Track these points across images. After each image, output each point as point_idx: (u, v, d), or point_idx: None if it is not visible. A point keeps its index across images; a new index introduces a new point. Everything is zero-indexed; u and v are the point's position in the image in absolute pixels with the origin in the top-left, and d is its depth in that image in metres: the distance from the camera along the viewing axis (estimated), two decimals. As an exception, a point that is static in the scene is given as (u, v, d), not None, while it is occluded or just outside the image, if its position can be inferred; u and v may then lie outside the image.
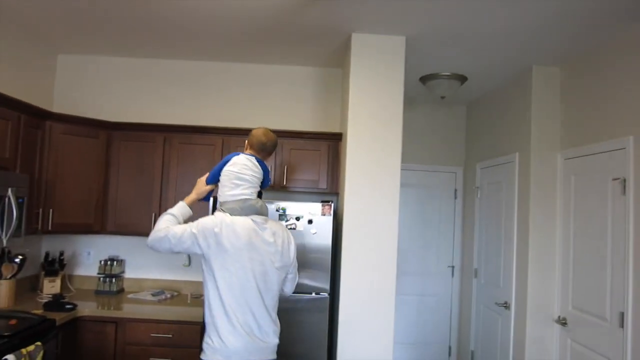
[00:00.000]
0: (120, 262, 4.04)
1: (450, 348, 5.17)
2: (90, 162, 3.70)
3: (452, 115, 5.28)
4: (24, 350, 2.54)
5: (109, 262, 3.92)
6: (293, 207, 3.36)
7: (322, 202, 3.42)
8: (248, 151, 2.46)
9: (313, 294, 3.34)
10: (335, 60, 4.03)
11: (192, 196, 2.50)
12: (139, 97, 4.21)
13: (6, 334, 2.58)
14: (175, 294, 3.97)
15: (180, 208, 2.43)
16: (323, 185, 3.84)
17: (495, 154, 4.41)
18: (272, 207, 3.34)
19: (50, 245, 4.01)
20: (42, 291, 3.70)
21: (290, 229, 3.35)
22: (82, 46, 3.98)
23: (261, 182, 2.41)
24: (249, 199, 2.30)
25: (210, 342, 2.22)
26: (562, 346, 3.51)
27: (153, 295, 3.79)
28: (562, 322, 3.49)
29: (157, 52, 4.06)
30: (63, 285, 3.84)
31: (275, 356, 2.33)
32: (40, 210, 3.43)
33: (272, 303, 2.32)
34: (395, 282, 3.31)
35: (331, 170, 3.84)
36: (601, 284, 3.10)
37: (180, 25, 3.40)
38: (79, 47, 4.00)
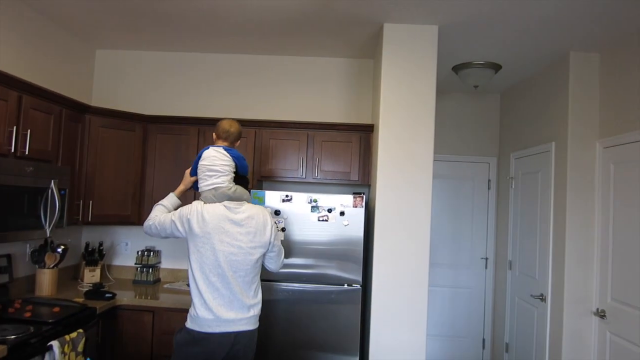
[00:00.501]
0: (157, 252, 4.13)
1: (484, 340, 5.11)
2: (127, 154, 3.79)
3: (485, 104, 5.19)
4: (67, 337, 2.64)
5: (145, 253, 4.03)
6: (325, 199, 3.37)
7: (353, 193, 3.42)
8: (217, 142, 2.80)
9: (345, 286, 3.35)
10: (367, 51, 4.01)
11: (180, 187, 2.91)
12: (174, 91, 4.29)
13: (50, 320, 2.69)
14: (210, 284, 4.03)
15: (170, 198, 2.85)
16: (355, 177, 3.84)
17: (531, 143, 4.32)
18: (304, 198, 3.37)
19: (90, 235, 4.14)
20: (82, 280, 3.84)
21: (322, 220, 3.36)
22: (119, 41, 4.08)
23: (239, 169, 2.75)
24: (220, 186, 2.61)
25: (191, 312, 2.56)
26: (600, 339, 3.43)
27: (188, 285, 3.86)
28: (601, 314, 3.40)
29: (191, 46, 4.13)
30: (102, 275, 3.98)
31: (251, 327, 2.60)
32: (81, 201, 3.54)
33: (247, 279, 2.59)
34: (428, 274, 3.29)
35: (362, 162, 3.83)
36: (643, 276, 3.01)
37: (213, 19, 3.44)
38: (116, 42, 4.11)
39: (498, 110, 5.18)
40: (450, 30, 3.36)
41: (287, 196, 3.37)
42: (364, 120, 4.14)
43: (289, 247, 3.35)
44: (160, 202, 2.82)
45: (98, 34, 3.92)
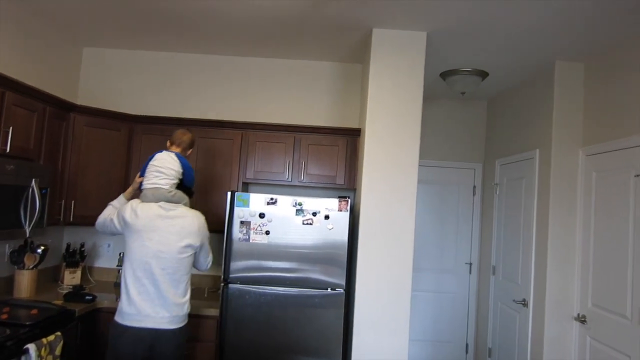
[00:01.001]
0: (140, 254, 4.08)
1: (467, 345, 5.13)
2: (111, 154, 3.74)
3: (472, 110, 5.23)
4: (44, 340, 2.59)
5: (128, 254, 3.97)
6: (310, 203, 3.36)
7: (339, 197, 3.41)
8: (171, 149, 2.97)
9: (329, 290, 3.34)
10: (355, 55, 4.02)
11: (129, 189, 3.04)
12: (161, 91, 4.25)
13: (27, 323, 2.63)
14: (193, 288, 3.99)
15: (119, 199, 2.99)
16: (340, 180, 3.84)
17: (516, 150, 4.36)
18: (289, 201, 3.36)
19: (72, 236, 4.08)
20: (62, 282, 3.78)
21: (307, 224, 3.35)
22: (107, 40, 4.04)
23: (186, 179, 2.90)
24: (161, 187, 2.73)
25: (118, 305, 2.68)
26: (581, 344, 3.47)
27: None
28: (582, 319, 3.44)
29: (179, 46, 4.10)
30: (83, 277, 3.91)
31: (174, 326, 2.68)
32: (63, 201, 3.49)
33: (175, 277, 2.68)
34: (412, 279, 3.30)
35: (349, 166, 3.83)
36: (622, 281, 3.05)
37: (201, 20, 3.43)
38: (104, 40, 4.06)
39: (484, 117, 5.22)
40: (438, 36, 3.38)
41: (271, 199, 3.36)
42: (351, 124, 4.14)
43: (273, 250, 3.34)
44: (111, 202, 2.98)
45: (85, 32, 3.87)
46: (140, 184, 2.90)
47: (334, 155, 3.85)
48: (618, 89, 3.24)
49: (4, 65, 3.18)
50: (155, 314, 2.62)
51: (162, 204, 2.70)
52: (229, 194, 3.38)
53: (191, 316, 3.30)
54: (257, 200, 3.37)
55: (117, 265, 3.96)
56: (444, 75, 4.16)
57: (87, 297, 3.30)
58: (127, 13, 3.40)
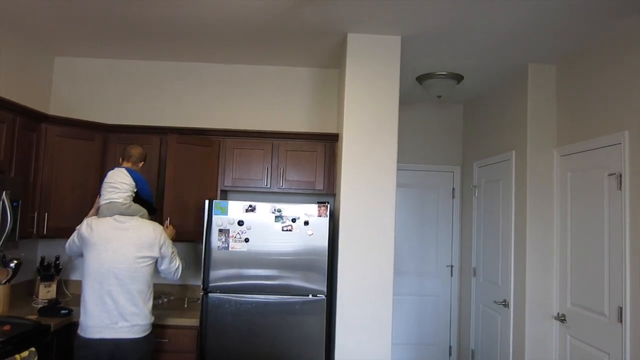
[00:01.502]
0: (117, 266, 4.00)
1: (450, 348, 5.15)
2: (86, 165, 3.67)
3: (449, 114, 5.28)
4: (17, 357, 2.52)
5: (105, 266, 3.89)
6: (289, 209, 3.34)
7: (318, 203, 3.40)
8: (122, 164, 3.05)
9: (310, 296, 3.32)
10: (332, 60, 4.03)
11: (92, 210, 3.09)
12: (136, 99, 4.20)
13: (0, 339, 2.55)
14: (172, 298, 3.94)
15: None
16: (320, 186, 3.83)
17: (492, 152, 4.41)
18: (267, 208, 3.33)
19: (46, 249, 3.98)
20: (37, 296, 3.68)
21: (286, 230, 3.33)
22: (79, 49, 3.98)
23: (141, 192, 2.98)
24: (115, 201, 2.82)
25: (79, 318, 2.73)
26: (561, 343, 3.50)
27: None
28: (561, 318, 3.47)
29: (152, 54, 4.06)
30: (59, 291, 3.82)
31: (134, 336, 2.70)
32: (36, 214, 3.41)
33: (133, 288, 2.71)
34: (394, 283, 3.29)
35: (328, 171, 3.83)
36: (599, 280, 3.09)
37: (175, 27, 3.39)
38: (76, 49, 4.00)
39: (461, 120, 5.27)
40: (413, 41, 3.40)
41: (250, 206, 3.33)
42: (330, 129, 4.14)
43: (253, 258, 3.31)
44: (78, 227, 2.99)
45: (57, 41, 3.81)
46: None
47: (312, 161, 3.84)
48: (589, 90, 3.30)
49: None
50: (114, 325, 2.66)
51: (116, 217, 2.79)
52: (206, 202, 3.34)
53: (170, 327, 3.29)
54: (235, 208, 3.34)
55: (94, 278, 3.87)
56: (420, 79, 4.19)
57: (63, 312, 3.21)
58: (99, 22, 3.35)
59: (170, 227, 3.31)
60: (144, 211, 2.92)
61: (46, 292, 3.69)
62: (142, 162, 3.18)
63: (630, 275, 2.79)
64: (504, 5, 2.79)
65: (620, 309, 2.86)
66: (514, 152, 3.93)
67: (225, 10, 3.07)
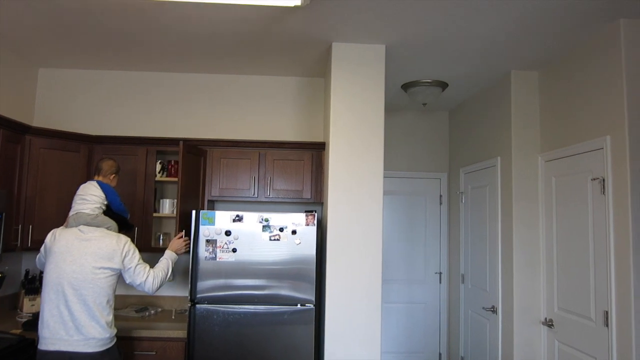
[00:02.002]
0: (103, 278, 3.96)
1: (440, 355, 5.15)
2: (71, 176, 3.64)
3: (434, 121, 5.32)
4: (1, 371, 2.48)
5: (91, 279, 3.85)
6: (276, 218, 3.34)
7: (305, 212, 3.39)
8: (95, 178, 3.03)
9: (298, 306, 3.30)
10: (318, 69, 4.04)
11: (65, 223, 2.96)
12: (122, 110, 4.18)
13: (-17, 354, 2.53)
14: (159, 310, 3.90)
15: None
16: (307, 195, 3.83)
17: (478, 158, 4.44)
18: (255, 218, 3.32)
19: (31, 262, 3.92)
20: (22, 310, 3.62)
21: (274, 239, 3.32)
22: (63, 60, 3.95)
23: (112, 205, 2.97)
24: (81, 212, 2.79)
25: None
26: (549, 348, 3.51)
27: (136, 311, 3.73)
28: (549, 323, 3.49)
29: (138, 65, 4.04)
30: (44, 304, 3.76)
31: (96, 349, 2.62)
32: (20, 226, 3.37)
33: (90, 299, 2.63)
34: (382, 290, 3.30)
35: (315, 180, 3.83)
36: (585, 284, 3.11)
37: (159, 39, 3.39)
38: (59, 61, 3.97)
39: (447, 127, 5.32)
40: (397, 49, 3.43)
41: (237, 216, 3.32)
42: (317, 138, 4.15)
43: (240, 268, 3.29)
44: None
45: (40, 53, 3.78)
46: None
47: (300, 170, 3.84)
48: (571, 95, 3.35)
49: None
50: (69, 337, 2.59)
51: (81, 227, 2.75)
52: (193, 212, 3.33)
53: (158, 339, 3.26)
54: (222, 218, 3.32)
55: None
56: (405, 87, 4.23)
57: (48, 325, 3.16)
58: (82, 33, 3.34)
59: (180, 240, 3.19)
60: (113, 224, 2.85)
61: (30, 305, 3.64)
62: (114, 175, 3.11)
63: (615, 279, 2.82)
64: (485, 14, 2.83)
65: (606, 313, 2.89)
66: (499, 158, 3.96)
67: (211, 21, 3.07)
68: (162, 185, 4.07)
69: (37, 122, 4.03)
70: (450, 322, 5.11)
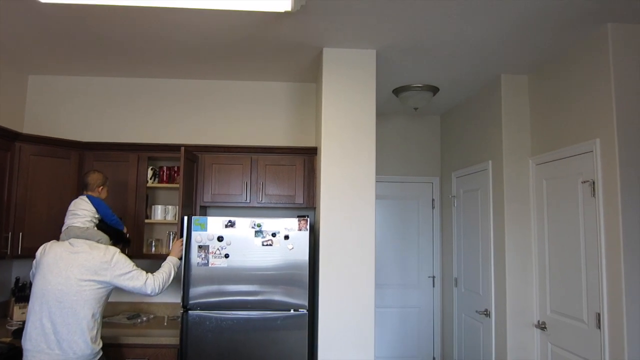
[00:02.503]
0: (95, 285, 3.93)
1: (434, 359, 5.14)
2: (61, 183, 3.62)
3: (426, 125, 5.34)
4: (-9, 380, 2.45)
5: (82, 286, 3.81)
6: (269, 223, 3.33)
7: (298, 217, 3.39)
8: (84, 192, 3.02)
9: (292, 311, 3.29)
10: (309, 74, 4.05)
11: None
12: (111, 116, 4.16)
13: (-28, 363, 2.49)
14: (152, 316, 3.88)
15: None
16: (299, 200, 3.83)
17: (470, 162, 4.46)
18: (247, 223, 3.31)
19: (21, 270, 3.89)
20: (12, 318, 3.59)
21: (267, 245, 3.31)
22: (53, 67, 3.94)
23: (105, 218, 2.96)
24: (72, 226, 2.79)
25: None
26: (542, 351, 3.52)
27: (128, 319, 3.70)
28: (542, 326, 3.50)
29: (128, 71, 4.03)
30: (35, 312, 3.72)
31: None
32: (10, 234, 3.34)
33: (73, 312, 2.58)
34: (375, 295, 3.30)
35: (307, 185, 3.83)
36: (577, 287, 3.13)
37: (150, 44, 3.38)
38: (49, 67, 3.96)
39: (438, 131, 5.34)
40: (388, 54, 3.45)
41: (230, 221, 3.31)
42: (309, 143, 4.15)
43: (233, 274, 3.27)
44: None
45: (30, 60, 3.76)
46: None
47: (292, 175, 3.84)
48: (560, 99, 3.37)
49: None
50: (50, 350, 2.54)
51: (71, 240, 2.73)
52: (185, 218, 3.31)
53: (150, 346, 3.24)
54: (214, 224, 3.31)
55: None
56: (397, 91, 4.24)
57: (38, 334, 3.12)
58: (72, 40, 3.33)
59: (179, 243, 3.23)
60: (104, 237, 2.83)
61: (21, 313, 3.60)
62: (102, 187, 3.07)
63: (606, 281, 2.84)
64: (476, 18, 2.85)
65: (599, 315, 2.90)
66: (490, 162, 3.98)
67: (201, 27, 3.07)
68: (154, 191, 4.05)
69: (27, 128, 4.00)
70: (443, 326, 5.11)
